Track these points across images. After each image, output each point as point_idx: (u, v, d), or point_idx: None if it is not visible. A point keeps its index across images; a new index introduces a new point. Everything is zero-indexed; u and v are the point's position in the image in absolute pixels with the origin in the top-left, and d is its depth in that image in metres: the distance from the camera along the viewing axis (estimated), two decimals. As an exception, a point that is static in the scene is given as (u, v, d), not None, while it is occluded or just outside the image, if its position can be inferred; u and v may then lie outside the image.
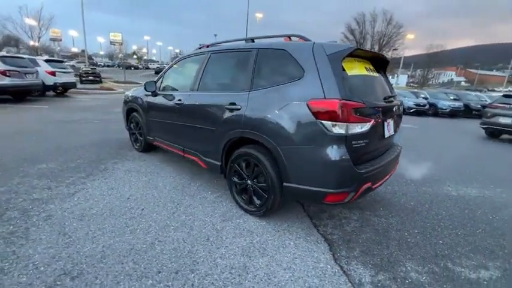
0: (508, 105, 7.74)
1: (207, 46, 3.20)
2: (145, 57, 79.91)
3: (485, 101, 15.29)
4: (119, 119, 5.19)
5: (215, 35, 33.61)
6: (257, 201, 2.40)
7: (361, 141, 2.00)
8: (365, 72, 2.33)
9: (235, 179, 2.57)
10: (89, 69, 20.37)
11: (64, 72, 11.38)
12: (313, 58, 2.03)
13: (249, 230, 2.25)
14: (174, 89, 3.45)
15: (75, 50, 56.95)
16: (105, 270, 1.69)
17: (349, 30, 39.40)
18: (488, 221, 2.68)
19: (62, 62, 12.45)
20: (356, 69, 2.22)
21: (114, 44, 29.74)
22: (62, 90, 11.76)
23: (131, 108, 4.20)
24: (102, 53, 71.75)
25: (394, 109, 2.49)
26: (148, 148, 4.11)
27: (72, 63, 27.88)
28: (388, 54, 39.17)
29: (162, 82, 3.59)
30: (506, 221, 2.70)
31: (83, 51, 36.11)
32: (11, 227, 2.07)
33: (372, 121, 2.04)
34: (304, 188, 2.03)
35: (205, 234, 2.15)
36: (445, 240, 2.29)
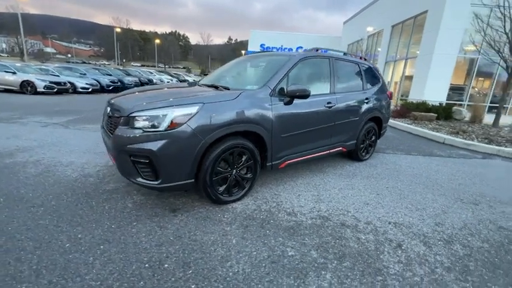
0: None
1: (317, 50, 3.52)
2: None
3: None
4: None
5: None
6: None
7: None
8: None
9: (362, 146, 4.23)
10: None
11: None
12: (377, 73, 4.59)
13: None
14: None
15: None
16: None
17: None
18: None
19: None
20: None
21: None
22: None
23: (219, 139, 2.39)
24: None
25: None
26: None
27: None
28: None
29: (287, 85, 2.87)
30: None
31: None
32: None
33: None
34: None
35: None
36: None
